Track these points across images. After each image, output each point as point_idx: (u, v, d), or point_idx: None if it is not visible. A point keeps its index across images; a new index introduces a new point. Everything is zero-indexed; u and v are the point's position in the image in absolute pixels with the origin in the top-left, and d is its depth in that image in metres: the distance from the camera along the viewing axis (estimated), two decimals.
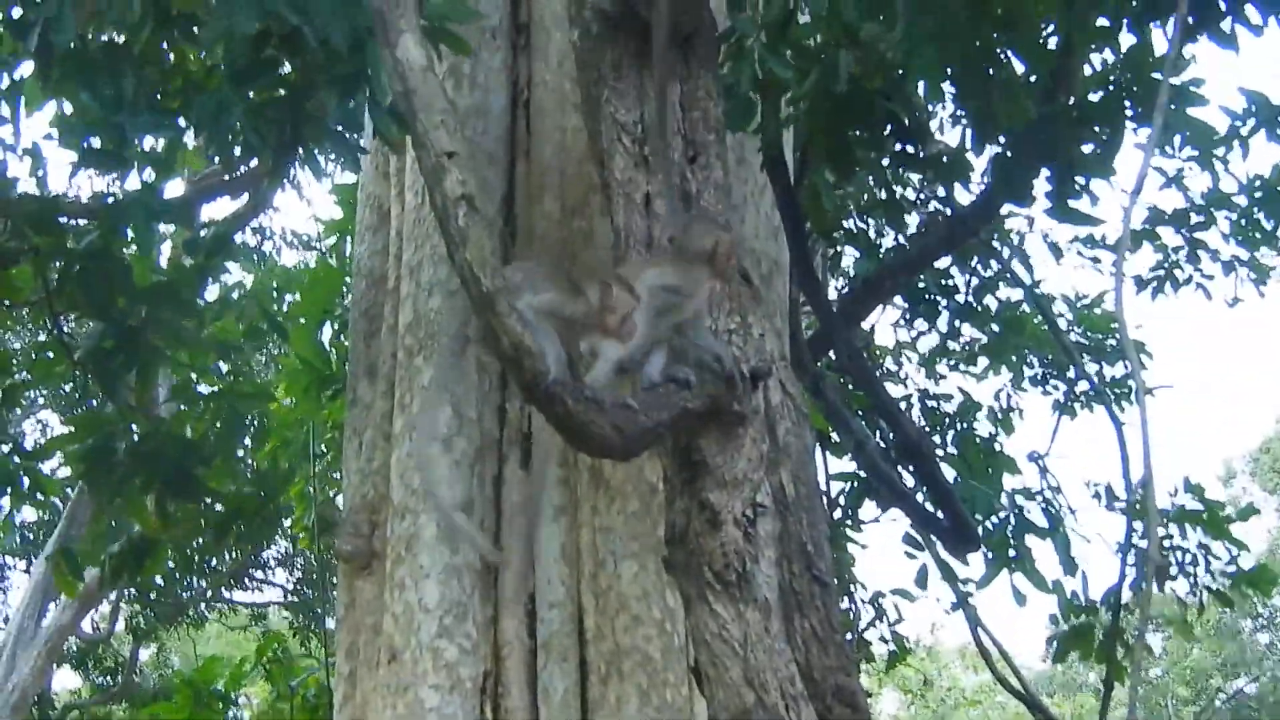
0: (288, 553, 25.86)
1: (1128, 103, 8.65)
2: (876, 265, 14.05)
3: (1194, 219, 14.52)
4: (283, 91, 8.23)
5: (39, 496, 11.71)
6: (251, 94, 8.12)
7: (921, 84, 8.12)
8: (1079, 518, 14.53)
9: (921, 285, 15.19)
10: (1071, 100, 8.62)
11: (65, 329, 10.21)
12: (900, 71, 7.92)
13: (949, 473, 13.98)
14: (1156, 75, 8.40)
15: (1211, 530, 14.18)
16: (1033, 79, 8.29)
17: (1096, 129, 8.56)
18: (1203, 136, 13.25)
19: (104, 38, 8.40)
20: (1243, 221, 14.39)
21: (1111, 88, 8.70)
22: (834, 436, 13.56)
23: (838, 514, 14.76)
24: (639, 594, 7.83)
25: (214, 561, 24.29)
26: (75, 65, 8.20)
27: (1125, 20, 7.82)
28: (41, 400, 24.93)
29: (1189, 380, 61.88)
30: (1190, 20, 7.41)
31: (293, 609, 26.83)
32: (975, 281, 15.62)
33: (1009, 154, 8.87)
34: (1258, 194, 14.03)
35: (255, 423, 14.95)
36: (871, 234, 14.57)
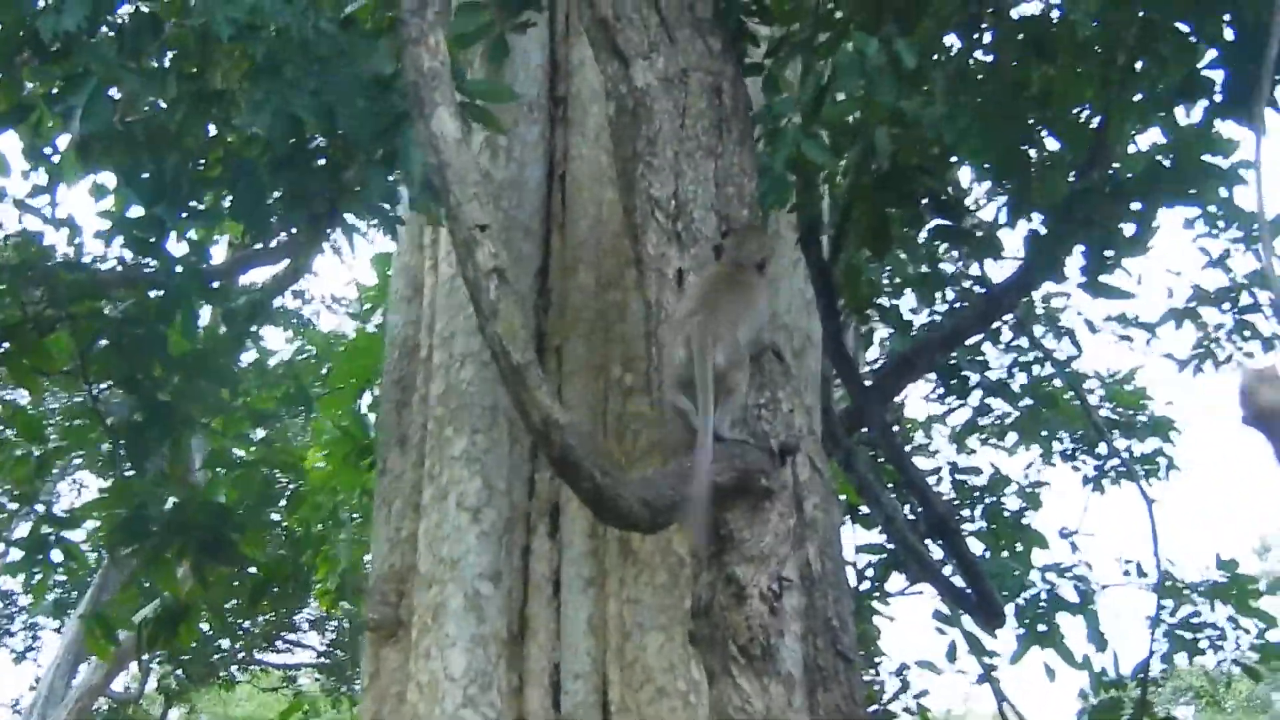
0: (320, 615, 25.82)
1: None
2: (910, 341, 14.07)
3: (1244, 299, 14.59)
4: (321, 161, 8.30)
5: (71, 564, 11.78)
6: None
7: (968, 165, 8.16)
8: (1110, 594, 14.59)
9: (953, 361, 15.21)
10: (1107, 177, 8.64)
11: (99, 395, 10.26)
12: (939, 149, 7.95)
13: (978, 548, 14.01)
14: (1205, 157, 8.43)
15: (1239, 606, 14.19)
16: (1069, 157, 8.31)
17: (1132, 208, 8.58)
18: (1246, 219, 13.34)
19: (144, 109, 8.48)
20: None
21: (1153, 166, 8.73)
22: (864, 509, 13.59)
23: (865, 586, 14.77)
24: (664, 666, 7.82)
25: (246, 623, 24.26)
26: (115, 143, 8.28)
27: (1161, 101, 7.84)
28: (78, 461, 24.96)
29: (1227, 455, 61.63)
30: (1220, 101, 7.45)
31: (325, 671, 26.82)
32: (1007, 358, 15.68)
33: (1044, 230, 8.90)
34: None
35: (289, 487, 15.02)
36: (904, 310, 14.61)
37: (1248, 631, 14.52)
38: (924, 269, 12.98)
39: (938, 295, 14.17)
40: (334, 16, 7.93)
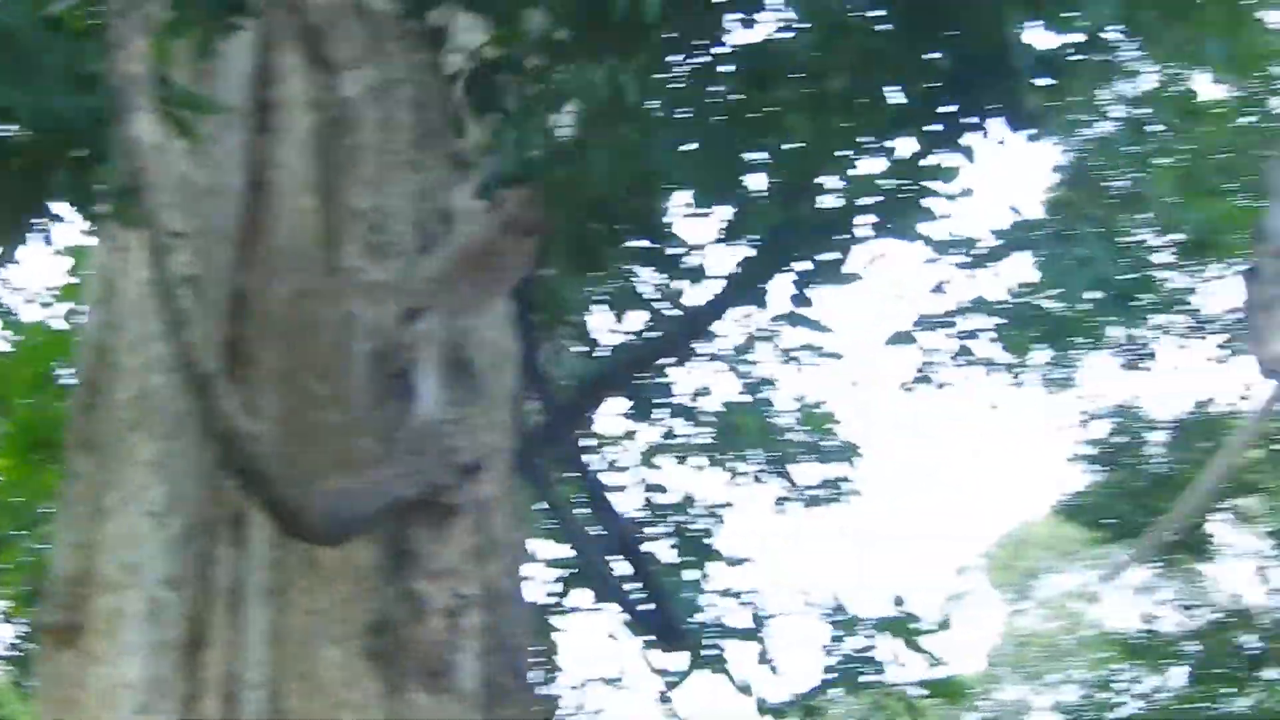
0: (8, 610, 25.16)
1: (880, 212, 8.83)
2: (603, 361, 14.16)
3: (962, 324, 14.97)
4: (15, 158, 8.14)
5: None
6: None
7: (681, 192, 8.23)
8: (792, 620, 14.86)
9: (640, 382, 15.31)
10: (814, 209, 8.78)
11: None
12: (651, 174, 8.01)
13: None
14: (926, 183, 8.61)
15: (907, 642, 14.56)
16: (784, 186, 8.42)
17: (835, 238, 8.72)
18: (966, 247, 13.77)
19: None
20: (1006, 327, 14.88)
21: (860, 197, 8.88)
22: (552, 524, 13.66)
23: (548, 600, 14.84)
24: (344, 679, 7.76)
25: None
26: None
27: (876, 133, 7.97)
28: None
29: (948, 473, 63.39)
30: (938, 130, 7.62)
31: (15, 664, 26.17)
32: (695, 382, 15.88)
33: (752, 257, 9.00)
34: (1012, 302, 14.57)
35: None
36: (596, 330, 14.70)
37: (904, 665, 14.89)
38: (619, 287, 13.11)
39: (629, 315, 14.29)
40: (40, 13, 7.79)
